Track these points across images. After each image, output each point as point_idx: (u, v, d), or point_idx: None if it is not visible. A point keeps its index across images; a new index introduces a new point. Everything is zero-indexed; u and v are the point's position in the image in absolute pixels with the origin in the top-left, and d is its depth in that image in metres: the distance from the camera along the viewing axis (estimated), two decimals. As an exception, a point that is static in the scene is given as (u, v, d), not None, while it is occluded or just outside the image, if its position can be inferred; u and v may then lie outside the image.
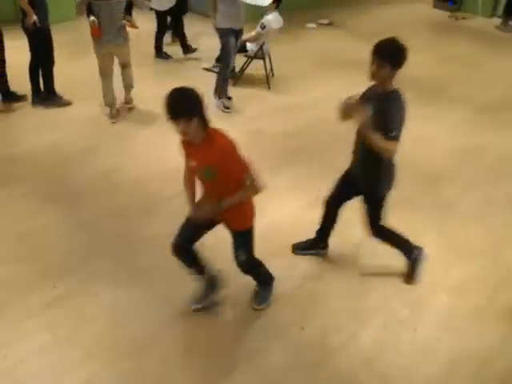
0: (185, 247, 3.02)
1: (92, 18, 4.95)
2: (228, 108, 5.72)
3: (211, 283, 3.21)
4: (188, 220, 2.97)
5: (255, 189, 2.75)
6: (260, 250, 3.48)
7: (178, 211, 4.11)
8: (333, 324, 3.20)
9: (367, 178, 3.18)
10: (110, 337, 3.04)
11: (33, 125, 5.35)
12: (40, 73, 5.55)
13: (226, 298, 3.34)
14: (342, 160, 5.06)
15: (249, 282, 3.46)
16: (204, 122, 2.59)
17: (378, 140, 2.86)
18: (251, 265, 3.08)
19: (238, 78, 6.50)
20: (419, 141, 5.04)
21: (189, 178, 2.94)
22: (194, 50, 7.32)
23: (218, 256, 3.39)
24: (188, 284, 3.44)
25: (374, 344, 3.08)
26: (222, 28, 5.51)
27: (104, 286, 3.38)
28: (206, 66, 6.95)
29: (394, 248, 3.44)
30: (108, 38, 5.04)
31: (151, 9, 9.45)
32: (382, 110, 2.86)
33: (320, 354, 3.00)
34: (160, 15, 6.93)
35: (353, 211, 4.20)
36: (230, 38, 5.54)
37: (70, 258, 3.61)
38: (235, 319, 3.22)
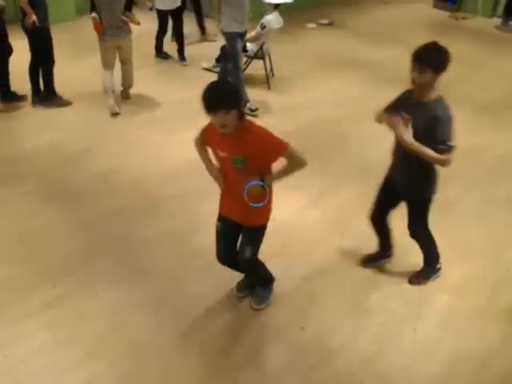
0: (228, 258, 3.10)
1: (93, 14, 5.25)
2: (254, 110, 5.65)
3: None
4: (218, 232, 3.04)
5: (301, 162, 2.78)
6: (260, 250, 3.48)
7: (177, 211, 4.15)
8: (332, 324, 3.20)
9: (411, 184, 3.11)
10: (110, 337, 3.04)
11: (33, 125, 5.35)
12: (40, 73, 5.55)
13: (226, 299, 3.34)
14: (342, 160, 5.07)
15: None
16: (241, 113, 2.63)
17: (429, 152, 2.80)
18: (253, 263, 3.09)
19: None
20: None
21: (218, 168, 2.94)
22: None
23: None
24: (188, 284, 3.45)
25: (373, 344, 3.08)
26: (229, 32, 5.47)
27: (104, 286, 3.38)
28: (206, 65, 6.96)
29: (424, 252, 3.44)
30: (110, 32, 5.33)
31: (150, 9, 9.47)
32: (431, 120, 2.78)
33: (320, 354, 3.00)
34: (162, 15, 6.92)
35: (353, 210, 4.22)
36: (238, 42, 5.53)
37: (70, 258, 3.61)
38: (235, 319, 3.22)
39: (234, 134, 2.63)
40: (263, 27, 6.02)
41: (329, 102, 6.08)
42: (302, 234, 3.97)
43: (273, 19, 6.01)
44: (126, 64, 5.74)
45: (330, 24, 9.17)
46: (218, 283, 3.43)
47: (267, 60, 6.49)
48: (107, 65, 5.52)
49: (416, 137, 2.82)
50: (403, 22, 9.44)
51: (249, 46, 6.39)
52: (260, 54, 6.29)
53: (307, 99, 6.07)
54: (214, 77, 6.71)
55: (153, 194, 4.34)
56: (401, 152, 3.01)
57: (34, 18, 5.07)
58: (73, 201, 4.22)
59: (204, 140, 2.90)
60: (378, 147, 5.17)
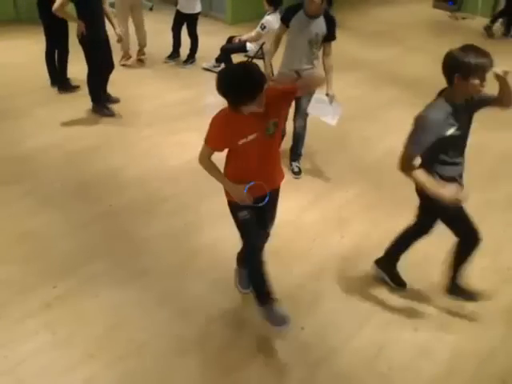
0: (263, 242, 3.03)
1: None
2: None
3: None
4: (247, 220, 2.85)
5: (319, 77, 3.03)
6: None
7: (177, 211, 4.15)
8: (333, 324, 3.20)
9: None
10: (109, 337, 3.04)
11: (33, 125, 5.35)
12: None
13: (226, 298, 3.34)
14: (342, 160, 5.07)
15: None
16: None
17: None
18: None
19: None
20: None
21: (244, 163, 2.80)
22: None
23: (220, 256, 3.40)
24: (188, 284, 3.45)
25: (374, 344, 3.08)
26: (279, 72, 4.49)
27: (104, 286, 3.38)
28: (206, 65, 6.96)
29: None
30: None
31: (151, 9, 9.45)
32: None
33: (320, 354, 3.00)
34: (182, 16, 6.90)
35: (353, 210, 4.22)
36: None
37: (69, 258, 3.61)
38: (235, 319, 3.22)
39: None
40: (263, 28, 6.03)
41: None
42: (302, 234, 3.97)
43: (273, 20, 6.01)
44: (138, 27, 6.76)
45: (329, 24, 9.17)
46: (218, 283, 3.43)
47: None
48: (123, 22, 6.49)
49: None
50: (403, 22, 9.46)
51: (249, 46, 6.40)
52: (260, 54, 6.28)
53: (307, 99, 6.07)
54: (213, 76, 6.71)
55: (153, 194, 4.34)
56: None
57: (83, 28, 4.99)
58: (73, 201, 4.22)
59: (219, 144, 2.71)
60: (378, 147, 5.18)
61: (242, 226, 2.88)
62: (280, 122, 2.75)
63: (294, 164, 4.75)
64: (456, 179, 2.94)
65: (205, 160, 2.75)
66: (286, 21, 4.29)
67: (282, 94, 2.75)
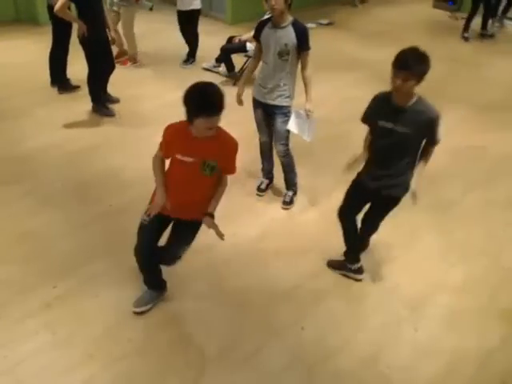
0: (147, 253, 3.05)
1: None
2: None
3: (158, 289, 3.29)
4: (144, 226, 3.02)
5: (226, 187, 2.89)
6: (261, 249, 3.48)
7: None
8: (333, 324, 3.20)
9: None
10: (109, 337, 3.04)
11: (33, 125, 5.35)
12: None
13: (226, 298, 3.34)
14: (342, 160, 5.05)
15: (247, 283, 3.47)
16: None
17: (424, 168, 3.09)
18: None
19: (238, 77, 6.51)
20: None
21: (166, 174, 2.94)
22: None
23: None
24: (187, 283, 3.45)
25: (373, 344, 3.08)
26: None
27: (104, 286, 3.38)
28: (206, 65, 6.96)
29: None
30: (141, 3, 6.91)
31: (151, 9, 9.44)
32: (427, 123, 2.83)
33: (320, 354, 3.00)
34: (180, 14, 6.91)
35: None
36: (255, 111, 4.24)
37: (69, 258, 3.61)
38: (235, 319, 3.22)
39: (208, 138, 2.60)
40: (263, 27, 6.02)
41: (329, 102, 6.08)
42: (302, 234, 3.97)
43: (273, 19, 6.01)
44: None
45: (330, 24, 9.18)
46: (217, 283, 3.43)
47: (267, 60, 6.48)
48: (130, 29, 6.66)
49: (407, 139, 2.86)
50: (403, 22, 9.46)
51: (249, 46, 6.41)
52: (260, 54, 6.29)
53: (307, 99, 6.07)
54: (213, 76, 6.73)
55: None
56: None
57: (84, 29, 4.97)
58: (73, 201, 4.22)
59: (167, 152, 2.82)
60: (377, 147, 5.18)
61: (139, 227, 3.05)
62: (221, 174, 2.80)
63: (287, 192, 4.34)
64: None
65: (156, 161, 2.93)
66: (256, 37, 4.03)
67: (231, 161, 2.77)
